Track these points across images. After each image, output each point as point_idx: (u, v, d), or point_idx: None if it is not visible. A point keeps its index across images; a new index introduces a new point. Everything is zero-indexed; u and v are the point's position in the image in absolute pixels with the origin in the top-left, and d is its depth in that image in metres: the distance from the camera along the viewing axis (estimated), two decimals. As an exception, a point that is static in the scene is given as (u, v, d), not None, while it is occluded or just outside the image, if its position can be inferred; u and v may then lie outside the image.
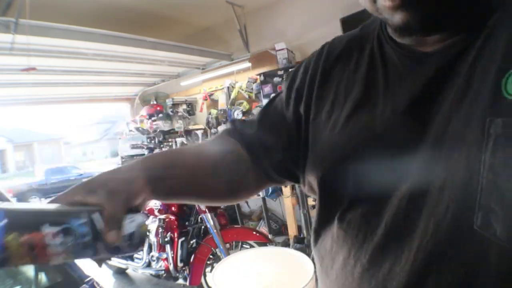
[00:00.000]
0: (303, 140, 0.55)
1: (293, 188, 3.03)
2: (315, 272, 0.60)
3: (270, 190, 3.17)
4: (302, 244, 2.75)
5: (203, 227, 2.87)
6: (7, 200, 1.61)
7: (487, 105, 0.34)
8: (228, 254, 2.50)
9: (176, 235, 2.76)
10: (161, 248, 2.82)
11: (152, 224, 3.00)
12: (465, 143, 0.35)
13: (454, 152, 0.36)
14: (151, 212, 3.05)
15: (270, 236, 3.08)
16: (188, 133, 3.73)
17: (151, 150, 3.99)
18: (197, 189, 0.57)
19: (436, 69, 0.40)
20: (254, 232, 2.76)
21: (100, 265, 0.43)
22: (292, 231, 3.05)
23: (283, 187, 3.04)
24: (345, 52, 0.53)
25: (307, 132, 0.54)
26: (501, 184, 0.31)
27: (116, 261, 3.43)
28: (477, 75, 0.36)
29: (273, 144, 0.58)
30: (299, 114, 0.56)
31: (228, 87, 4.34)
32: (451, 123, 0.37)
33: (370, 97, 0.46)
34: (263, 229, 3.39)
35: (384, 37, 0.47)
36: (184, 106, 4.83)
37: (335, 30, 2.79)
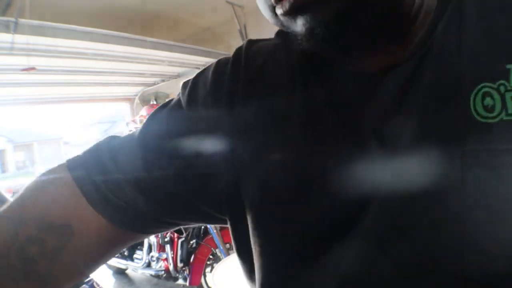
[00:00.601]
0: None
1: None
2: None
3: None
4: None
5: (203, 227, 2.87)
6: (7, 200, 1.61)
7: (456, 130, 0.28)
8: (228, 254, 2.50)
9: (176, 235, 2.76)
10: (161, 248, 2.82)
11: (152, 224, 3.00)
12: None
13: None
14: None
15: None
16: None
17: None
18: None
19: (392, 97, 0.31)
20: (254, 232, 2.76)
21: None
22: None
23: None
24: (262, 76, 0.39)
25: None
26: (477, 228, 0.27)
27: (116, 261, 3.42)
28: (437, 95, 0.29)
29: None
30: None
31: (228, 87, 4.34)
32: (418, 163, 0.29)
33: (313, 142, 0.33)
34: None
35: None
36: (184, 106, 4.83)
37: (335, 30, 2.78)
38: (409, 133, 0.29)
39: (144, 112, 4.91)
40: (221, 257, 2.55)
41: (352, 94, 0.33)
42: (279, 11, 0.29)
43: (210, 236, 2.61)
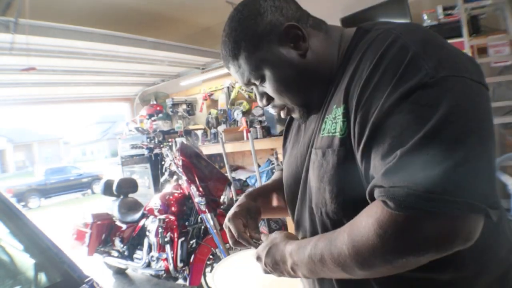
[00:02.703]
0: None
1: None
2: None
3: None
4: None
5: (203, 227, 2.87)
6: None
7: (315, 140, 0.67)
8: (228, 254, 2.49)
9: (176, 235, 2.76)
10: (161, 248, 2.82)
11: (152, 224, 3.00)
12: (312, 164, 0.66)
13: (310, 168, 0.68)
14: (151, 212, 3.05)
15: (270, 236, 3.08)
16: (188, 133, 3.72)
17: (150, 150, 3.99)
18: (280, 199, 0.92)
19: (315, 122, 0.70)
20: (254, 232, 2.75)
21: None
22: (292, 230, 3.05)
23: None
24: None
25: None
26: (312, 183, 0.66)
27: (116, 261, 3.43)
28: (320, 123, 0.66)
29: None
30: None
31: (228, 87, 4.34)
32: (311, 153, 0.67)
33: (297, 140, 0.80)
34: (263, 229, 3.39)
35: None
36: (184, 106, 4.83)
37: (335, 30, 2.78)
38: (304, 139, 0.75)
39: (144, 112, 4.91)
40: (221, 257, 2.55)
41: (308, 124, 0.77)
42: (282, 115, 0.75)
43: (210, 236, 2.61)
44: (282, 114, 0.74)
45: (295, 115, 0.72)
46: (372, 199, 0.50)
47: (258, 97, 0.73)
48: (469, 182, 0.43)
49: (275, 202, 0.93)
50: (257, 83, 0.69)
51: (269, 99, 0.71)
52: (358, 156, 0.54)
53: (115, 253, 3.40)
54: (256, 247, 0.74)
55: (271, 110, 0.75)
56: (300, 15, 0.66)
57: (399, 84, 0.49)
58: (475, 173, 0.44)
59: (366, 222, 0.48)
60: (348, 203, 0.58)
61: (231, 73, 0.73)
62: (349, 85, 0.58)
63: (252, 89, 0.74)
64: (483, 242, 0.47)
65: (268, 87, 0.68)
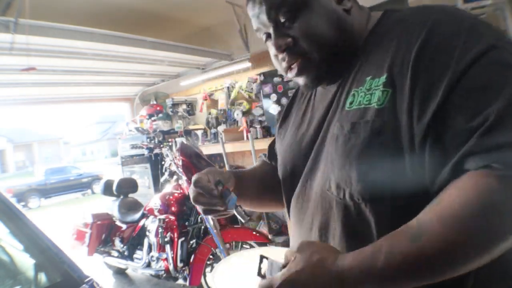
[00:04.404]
0: None
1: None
2: None
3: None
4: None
5: (203, 227, 2.86)
6: None
7: (337, 115, 0.60)
8: (228, 254, 2.50)
9: (176, 235, 2.76)
10: (161, 248, 2.82)
11: (152, 224, 3.00)
12: (330, 140, 0.60)
13: (327, 147, 0.61)
14: (151, 212, 3.05)
15: (270, 236, 3.08)
16: (188, 133, 3.72)
17: (150, 150, 3.99)
18: (263, 187, 0.85)
19: (331, 96, 0.65)
20: (254, 232, 2.76)
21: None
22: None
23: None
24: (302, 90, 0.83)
25: None
26: (333, 162, 0.58)
27: (116, 261, 3.43)
28: (341, 97, 0.62)
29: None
30: None
31: (228, 87, 4.34)
32: (329, 129, 0.61)
33: (303, 119, 0.74)
34: (263, 229, 3.39)
35: None
36: (184, 106, 4.83)
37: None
38: (313, 118, 0.70)
39: (144, 112, 4.91)
40: (221, 257, 2.55)
41: (318, 100, 0.72)
42: (290, 75, 0.66)
43: (210, 236, 2.61)
44: (291, 73, 0.65)
45: (306, 76, 0.64)
46: (456, 172, 0.43)
47: (274, 40, 0.63)
48: None
49: (258, 190, 0.85)
50: (284, 19, 0.61)
51: (288, 44, 0.61)
52: (420, 127, 0.48)
53: (115, 253, 3.40)
54: (229, 209, 0.67)
55: (282, 65, 0.66)
56: None
57: (468, 47, 0.47)
58: None
59: (471, 197, 0.41)
60: (377, 183, 0.51)
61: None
62: (397, 54, 0.53)
63: (265, 34, 0.66)
64: None
65: (298, 27, 0.60)
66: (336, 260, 0.47)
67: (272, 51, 0.66)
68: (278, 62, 0.66)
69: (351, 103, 0.58)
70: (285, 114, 0.84)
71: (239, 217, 0.69)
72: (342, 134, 0.56)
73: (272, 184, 0.81)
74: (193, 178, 0.69)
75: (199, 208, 0.71)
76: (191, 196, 0.70)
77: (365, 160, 0.52)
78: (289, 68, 0.64)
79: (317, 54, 0.61)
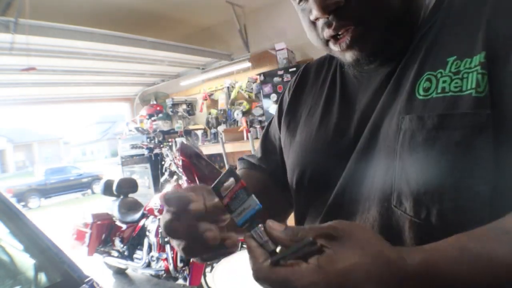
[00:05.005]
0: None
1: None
2: None
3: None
4: (302, 244, 2.74)
5: (203, 227, 2.87)
6: None
7: (403, 105, 0.45)
8: (228, 254, 2.49)
9: (176, 235, 2.76)
10: (161, 248, 2.82)
11: (152, 224, 3.00)
12: (388, 138, 0.46)
13: (381, 147, 0.47)
14: (151, 212, 3.05)
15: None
16: (188, 133, 3.73)
17: (150, 150, 3.99)
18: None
19: (380, 81, 0.51)
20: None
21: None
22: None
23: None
24: (315, 72, 0.66)
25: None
26: (406, 169, 0.43)
27: (116, 261, 3.43)
28: (403, 81, 0.47)
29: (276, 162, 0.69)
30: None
31: (228, 87, 4.34)
32: (383, 123, 0.47)
33: (328, 109, 0.58)
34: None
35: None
36: (184, 106, 4.83)
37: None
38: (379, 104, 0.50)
39: (144, 112, 4.91)
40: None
41: (357, 85, 0.56)
42: (335, 47, 0.49)
43: (210, 236, 2.60)
44: (337, 45, 0.48)
45: (360, 49, 0.48)
46: None
47: None
48: None
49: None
50: None
51: (338, 3, 0.45)
52: None
53: (115, 253, 3.40)
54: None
55: (324, 33, 0.49)
56: None
57: None
58: None
59: None
60: (480, 197, 0.38)
61: None
62: (494, 24, 0.40)
63: None
64: None
65: None
66: (409, 254, 0.33)
67: (308, 17, 0.49)
68: (316, 31, 0.50)
69: (427, 90, 0.44)
70: (291, 102, 0.66)
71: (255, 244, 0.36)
72: (424, 130, 0.42)
73: (276, 198, 0.66)
74: (165, 195, 0.41)
75: (177, 247, 0.42)
76: (161, 224, 0.41)
77: (464, 167, 0.39)
78: (335, 38, 0.48)
79: (377, 21, 0.46)
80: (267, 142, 0.72)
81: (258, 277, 0.33)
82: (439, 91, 0.43)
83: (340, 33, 0.47)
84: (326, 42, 0.50)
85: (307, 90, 0.64)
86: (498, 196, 0.36)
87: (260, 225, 0.36)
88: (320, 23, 0.48)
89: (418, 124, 0.43)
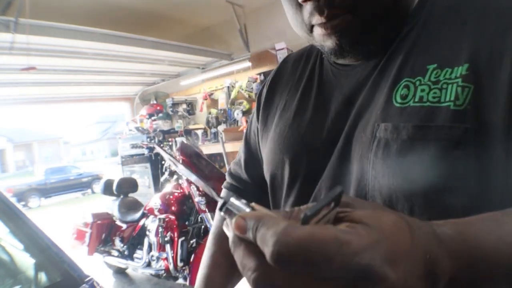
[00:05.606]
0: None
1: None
2: None
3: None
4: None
5: (203, 226, 2.87)
6: None
7: (379, 112, 0.43)
8: (228, 253, 2.49)
9: (176, 234, 2.76)
10: (161, 248, 2.82)
11: (152, 224, 3.00)
12: (363, 145, 0.44)
13: (355, 153, 0.45)
14: (151, 211, 3.05)
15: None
16: (188, 132, 3.73)
17: (151, 149, 3.99)
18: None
19: (357, 82, 0.49)
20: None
21: None
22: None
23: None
24: (293, 65, 0.63)
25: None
26: (379, 179, 0.41)
27: (116, 261, 3.43)
28: (380, 85, 0.45)
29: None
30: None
31: (228, 87, 4.34)
32: (357, 127, 0.46)
33: (303, 105, 0.55)
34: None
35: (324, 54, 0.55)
36: (184, 106, 4.83)
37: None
38: (326, 108, 0.51)
39: (144, 112, 4.91)
40: (221, 256, 2.55)
41: (335, 81, 0.53)
42: (320, 31, 0.45)
43: (210, 235, 2.61)
44: (323, 28, 0.44)
45: (345, 36, 0.44)
46: None
47: None
48: None
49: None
50: None
51: None
52: None
53: (115, 253, 3.40)
54: None
55: (311, 18, 0.45)
56: None
57: None
58: None
59: None
60: (455, 209, 0.37)
61: None
62: (481, 36, 0.39)
63: None
64: None
65: None
66: (436, 228, 0.27)
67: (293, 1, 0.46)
68: (302, 15, 0.46)
69: (404, 98, 0.42)
70: (268, 96, 0.64)
71: None
72: (398, 140, 0.41)
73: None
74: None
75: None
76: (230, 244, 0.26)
77: (438, 180, 0.38)
78: (323, 25, 0.44)
79: (367, 8, 0.43)
80: (249, 145, 0.69)
81: (283, 251, 0.20)
82: (416, 100, 0.41)
83: (329, 20, 0.44)
84: (311, 28, 0.46)
85: (284, 84, 0.62)
86: (483, 208, 0.32)
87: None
88: (308, 7, 0.44)
89: (393, 133, 0.41)
